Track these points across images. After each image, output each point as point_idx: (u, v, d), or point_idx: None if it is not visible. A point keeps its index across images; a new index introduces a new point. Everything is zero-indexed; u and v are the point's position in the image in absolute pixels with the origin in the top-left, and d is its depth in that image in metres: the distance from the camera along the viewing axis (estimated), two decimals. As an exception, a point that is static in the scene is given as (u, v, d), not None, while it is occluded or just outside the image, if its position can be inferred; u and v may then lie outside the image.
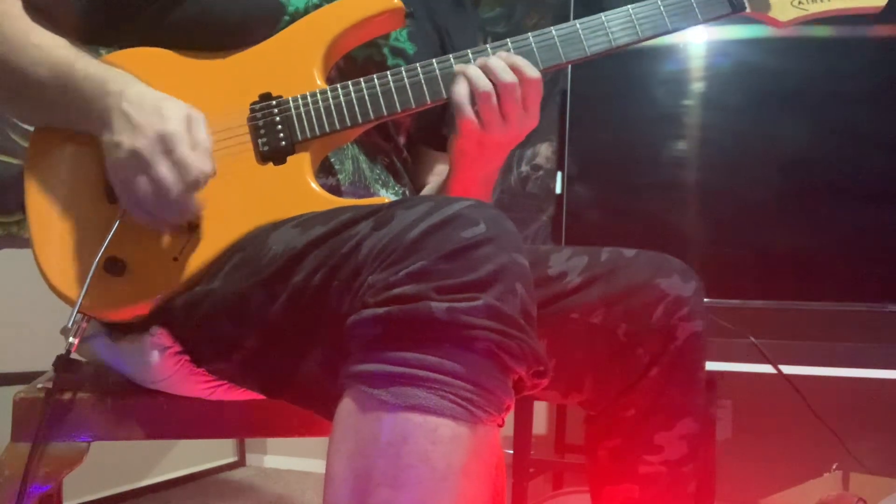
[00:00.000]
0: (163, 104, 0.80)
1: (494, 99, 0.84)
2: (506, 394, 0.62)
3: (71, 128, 0.88)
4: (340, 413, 0.62)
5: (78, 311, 0.86)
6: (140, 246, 0.85)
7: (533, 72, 0.85)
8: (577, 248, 0.94)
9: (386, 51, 0.98)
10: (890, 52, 1.73)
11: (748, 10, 0.92)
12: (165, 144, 0.78)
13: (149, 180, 0.78)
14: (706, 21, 0.91)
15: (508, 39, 0.89)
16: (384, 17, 0.91)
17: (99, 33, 0.96)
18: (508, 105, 0.85)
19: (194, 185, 0.79)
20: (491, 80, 0.84)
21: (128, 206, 0.81)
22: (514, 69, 0.84)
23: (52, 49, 0.86)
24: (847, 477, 1.55)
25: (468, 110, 0.85)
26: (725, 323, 1.63)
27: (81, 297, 0.81)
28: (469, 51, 0.89)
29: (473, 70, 0.85)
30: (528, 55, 0.88)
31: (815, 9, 0.93)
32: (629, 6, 0.91)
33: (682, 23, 0.91)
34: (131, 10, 0.92)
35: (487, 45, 0.89)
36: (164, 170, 0.77)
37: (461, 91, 0.85)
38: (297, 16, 0.91)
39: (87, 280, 0.82)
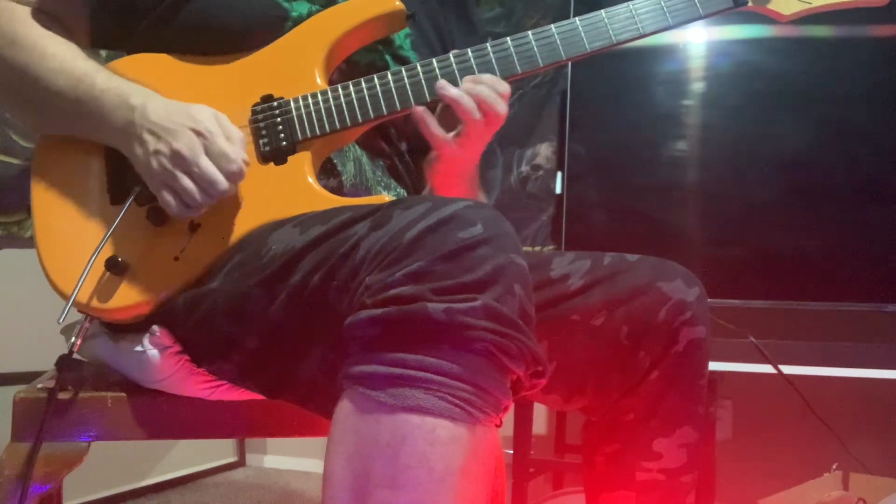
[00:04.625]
0: (189, 108, 0.83)
1: (483, 122, 0.88)
2: (504, 394, 0.62)
3: (84, 137, 0.88)
4: (339, 414, 0.62)
5: (80, 312, 0.86)
6: (141, 246, 0.85)
7: (504, 86, 0.88)
8: (580, 252, 0.94)
9: (388, 57, 0.98)
10: (890, 52, 1.72)
11: (750, 2, 0.90)
12: (204, 139, 0.81)
13: (194, 178, 0.80)
14: (707, 15, 0.89)
15: (508, 38, 0.89)
16: (385, 19, 0.91)
17: (106, 37, 0.96)
18: (492, 124, 0.89)
19: (238, 175, 0.82)
20: (484, 110, 0.87)
21: (176, 211, 0.82)
22: (501, 95, 0.87)
23: (70, 60, 0.87)
24: (847, 477, 1.55)
25: (447, 138, 0.89)
26: (726, 323, 1.63)
27: (76, 291, 0.82)
28: (469, 49, 0.89)
29: (468, 103, 0.86)
30: (528, 54, 0.88)
31: (818, 1, 0.91)
32: (629, 3, 0.90)
33: (684, 17, 0.89)
34: (137, 14, 0.93)
35: (487, 44, 0.89)
36: (207, 164, 0.80)
37: (435, 126, 0.89)
38: (299, 21, 0.92)
39: (83, 274, 0.82)
